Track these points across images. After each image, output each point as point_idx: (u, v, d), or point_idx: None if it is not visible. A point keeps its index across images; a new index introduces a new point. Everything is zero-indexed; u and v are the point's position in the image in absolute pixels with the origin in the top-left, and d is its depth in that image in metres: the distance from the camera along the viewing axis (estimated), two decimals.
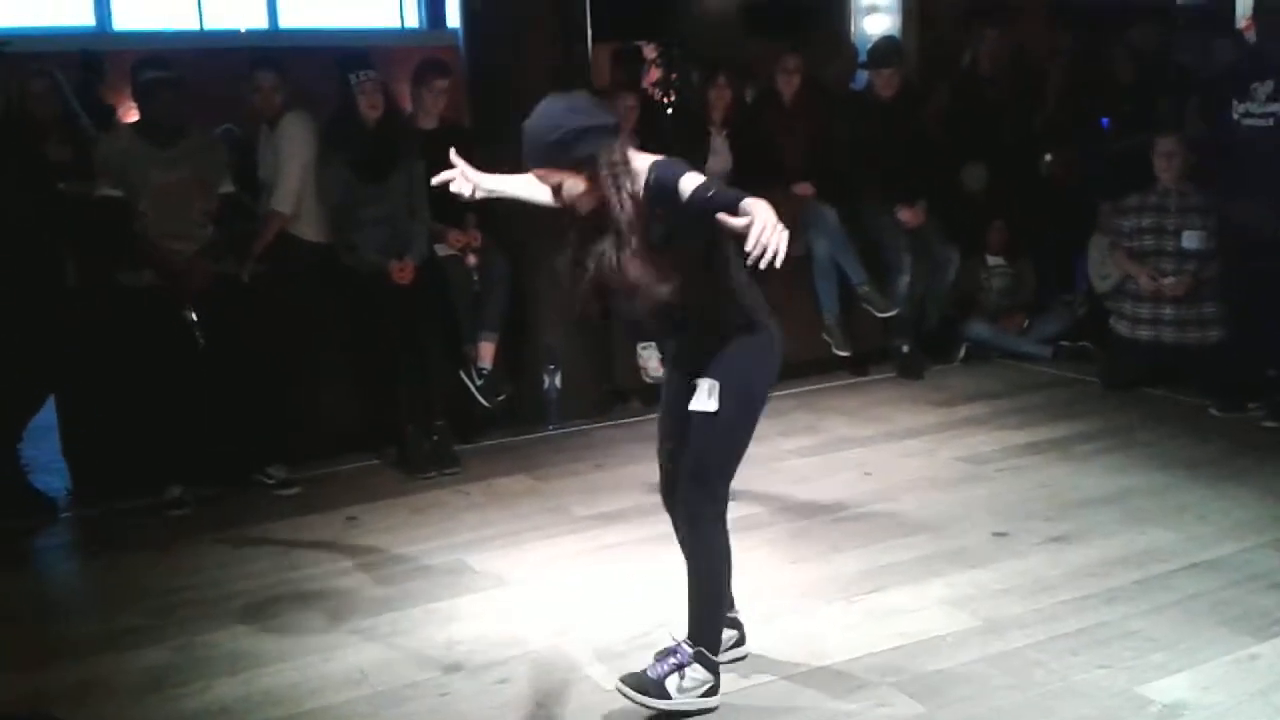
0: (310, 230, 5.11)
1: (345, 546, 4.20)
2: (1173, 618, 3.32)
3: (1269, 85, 4.90)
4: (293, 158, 5.04)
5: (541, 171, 2.81)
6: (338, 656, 3.35)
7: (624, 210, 2.72)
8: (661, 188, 2.71)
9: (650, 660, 3.01)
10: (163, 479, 4.65)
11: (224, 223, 4.86)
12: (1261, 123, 4.92)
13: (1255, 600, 3.41)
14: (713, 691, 2.98)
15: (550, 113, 2.79)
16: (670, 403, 3.11)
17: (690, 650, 2.96)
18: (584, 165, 2.75)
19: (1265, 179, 4.89)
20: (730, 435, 2.93)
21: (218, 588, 3.90)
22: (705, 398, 2.88)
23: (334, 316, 5.05)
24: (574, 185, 2.79)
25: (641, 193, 2.74)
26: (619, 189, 2.72)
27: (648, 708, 2.93)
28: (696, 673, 2.96)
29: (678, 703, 2.94)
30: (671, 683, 2.94)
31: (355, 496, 4.69)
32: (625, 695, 2.94)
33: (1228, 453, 4.71)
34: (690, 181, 2.65)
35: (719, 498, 2.99)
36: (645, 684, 2.94)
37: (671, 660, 2.96)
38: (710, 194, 2.62)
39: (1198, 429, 5.05)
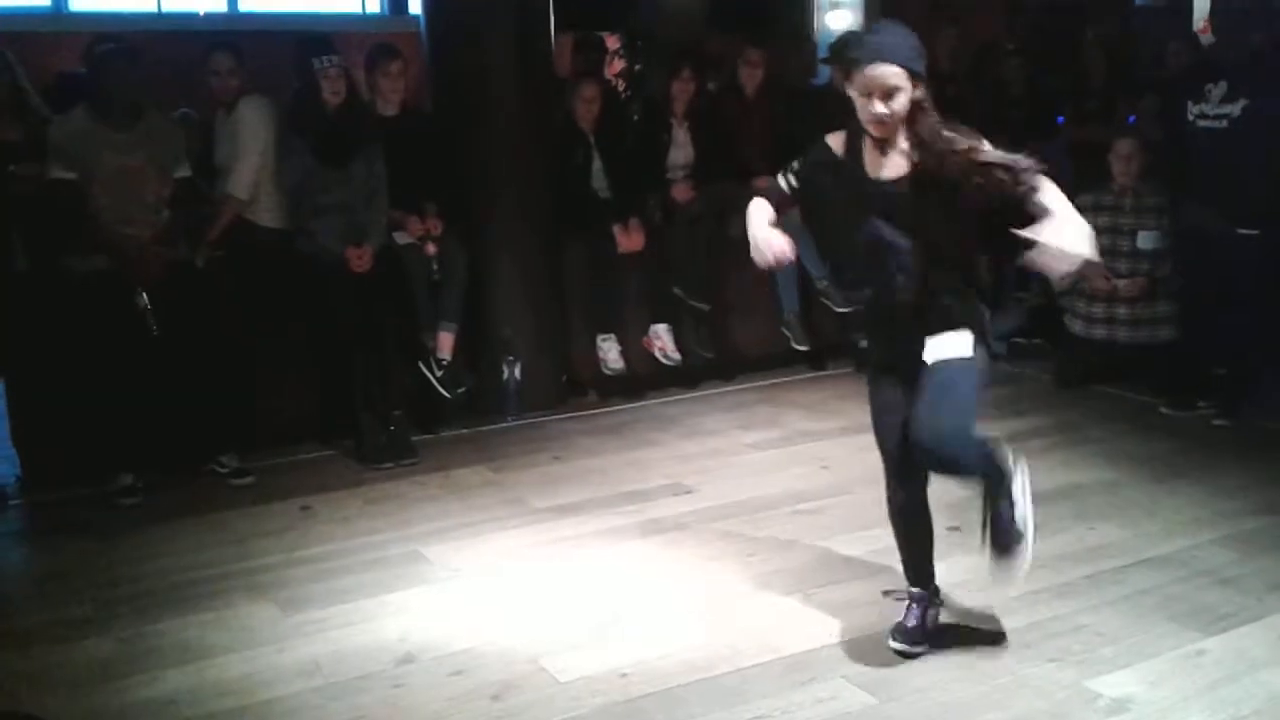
0: (267, 216, 5.06)
1: (299, 536, 4.16)
2: (1122, 613, 3.37)
3: (1223, 87, 4.95)
4: (250, 143, 4.98)
5: (895, 70, 2.77)
6: (290, 647, 3.33)
7: (925, 143, 2.80)
8: (968, 139, 2.82)
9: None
10: (114, 467, 4.59)
11: (179, 208, 4.78)
12: (1215, 124, 4.98)
13: (1203, 596, 3.46)
14: (1014, 469, 2.93)
15: (904, 28, 2.86)
16: (900, 398, 3.02)
17: (1007, 498, 2.90)
18: (919, 83, 2.80)
19: (1218, 179, 4.96)
20: (981, 383, 2.92)
21: (168, 577, 3.85)
22: (958, 344, 2.89)
23: (290, 304, 4.99)
24: (904, 102, 2.79)
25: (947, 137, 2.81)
26: (930, 121, 2.81)
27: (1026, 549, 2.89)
28: (1019, 496, 2.91)
29: (1025, 511, 2.91)
30: (1019, 517, 2.89)
31: (310, 486, 4.65)
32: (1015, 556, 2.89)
33: (1178, 450, 4.77)
34: (995, 150, 2.80)
35: (975, 442, 2.90)
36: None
37: (1007, 507, 2.89)
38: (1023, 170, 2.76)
39: (1148, 427, 5.11)
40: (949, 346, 2.90)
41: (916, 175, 2.86)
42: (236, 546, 4.09)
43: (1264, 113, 4.86)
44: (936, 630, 3.23)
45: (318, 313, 4.95)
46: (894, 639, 3.18)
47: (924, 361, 2.91)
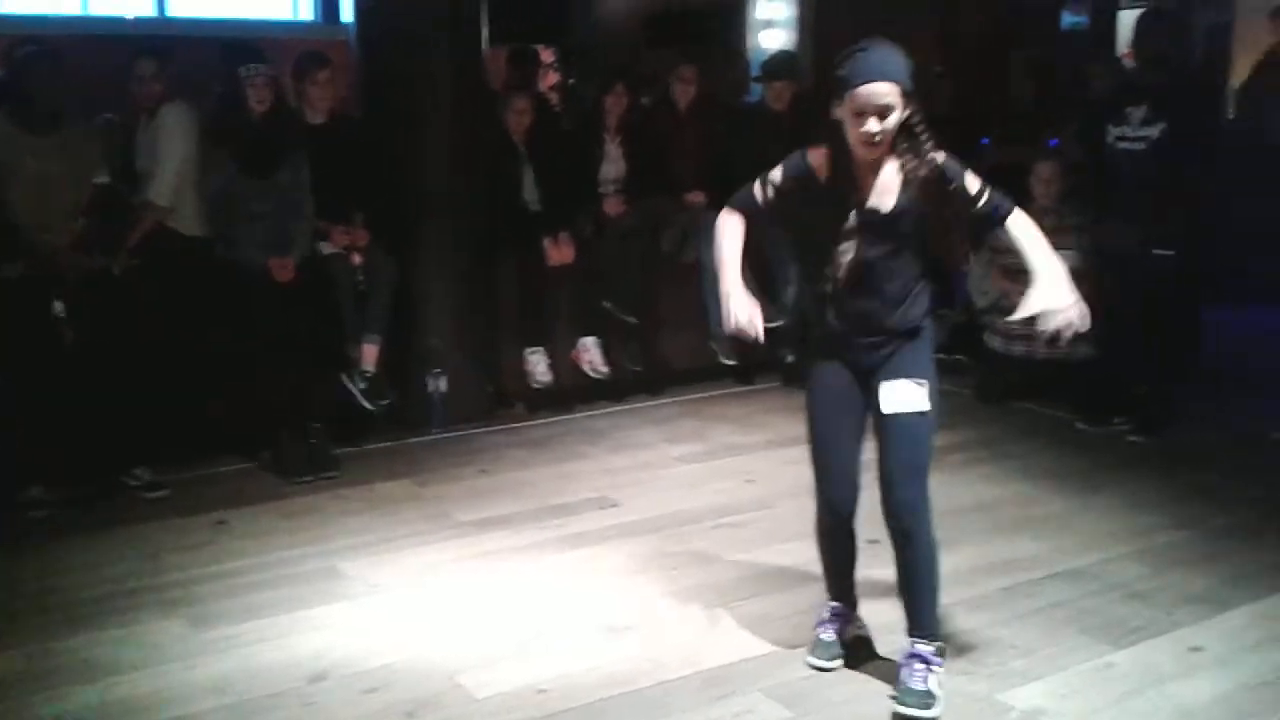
0: (188, 224, 4.98)
1: (213, 551, 4.08)
2: (1035, 625, 3.41)
3: (1143, 110, 5.06)
4: (172, 149, 4.91)
5: (889, 88, 2.72)
6: (200, 664, 3.26)
7: (923, 165, 2.80)
8: (953, 168, 2.83)
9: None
10: (23, 478, 4.46)
11: (97, 214, 4.69)
12: (1135, 145, 5.09)
13: (1114, 609, 3.52)
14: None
15: (894, 46, 2.82)
16: (847, 403, 3.03)
17: (931, 649, 2.97)
18: (910, 101, 2.78)
19: (1137, 200, 5.07)
20: (935, 428, 2.96)
21: (76, 592, 3.75)
22: (916, 396, 2.91)
23: (210, 313, 4.90)
24: (896, 121, 2.77)
25: (938, 162, 2.81)
26: (923, 142, 2.80)
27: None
28: (941, 666, 2.98)
29: (942, 699, 2.93)
30: (933, 684, 2.93)
31: (226, 500, 4.56)
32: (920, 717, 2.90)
33: (1093, 466, 4.86)
34: (974, 180, 2.85)
35: (929, 493, 2.97)
36: (922, 699, 2.91)
37: (925, 668, 2.94)
38: (996, 206, 2.87)
39: (1065, 442, 5.20)
40: (906, 398, 2.90)
41: (904, 198, 2.83)
42: (149, 561, 4.00)
43: (1182, 135, 4.98)
44: (853, 644, 3.24)
45: (238, 322, 4.86)
46: (811, 654, 3.20)
47: (880, 392, 2.93)
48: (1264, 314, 6.22)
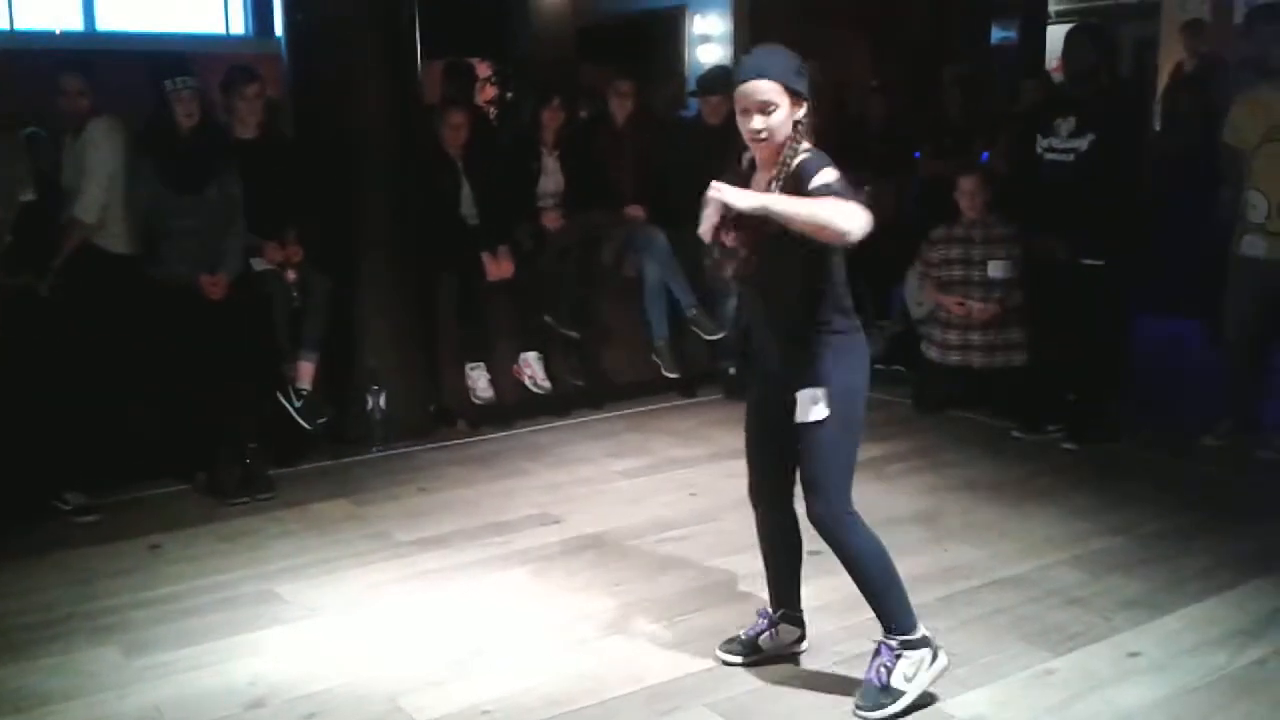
0: (116, 241, 4.87)
1: (146, 576, 3.98)
2: (975, 633, 3.44)
3: (1071, 122, 5.16)
4: (98, 165, 4.80)
5: (775, 87, 2.79)
6: (133, 693, 3.18)
7: (785, 167, 2.79)
8: (804, 168, 2.78)
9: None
10: None
11: (23, 232, 4.58)
12: (1062, 157, 5.18)
13: (1053, 616, 3.56)
14: (935, 657, 3.00)
15: (784, 49, 2.88)
16: (765, 418, 3.07)
17: (893, 643, 2.96)
18: (800, 101, 2.82)
19: (1065, 211, 5.16)
20: (843, 439, 2.96)
21: (6, 620, 3.65)
22: (812, 407, 2.90)
23: (140, 333, 4.80)
24: (783, 118, 2.80)
25: (798, 160, 2.80)
26: (796, 145, 2.80)
27: (896, 715, 2.91)
28: (911, 655, 2.96)
29: (914, 689, 2.94)
30: (896, 679, 2.93)
31: (160, 524, 4.46)
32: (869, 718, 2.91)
33: (1029, 473, 4.92)
34: (824, 177, 2.73)
35: (847, 499, 2.98)
36: (876, 698, 2.92)
37: (881, 662, 2.95)
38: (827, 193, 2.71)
39: (1001, 450, 5.26)
40: (809, 407, 2.91)
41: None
42: (80, 587, 3.90)
43: (1109, 147, 5.08)
44: (789, 652, 3.27)
45: (170, 342, 4.77)
46: (720, 647, 3.25)
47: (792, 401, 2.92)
48: (1189, 322, 6.36)
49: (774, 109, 2.80)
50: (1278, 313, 5.00)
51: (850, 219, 2.66)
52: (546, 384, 5.84)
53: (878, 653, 2.99)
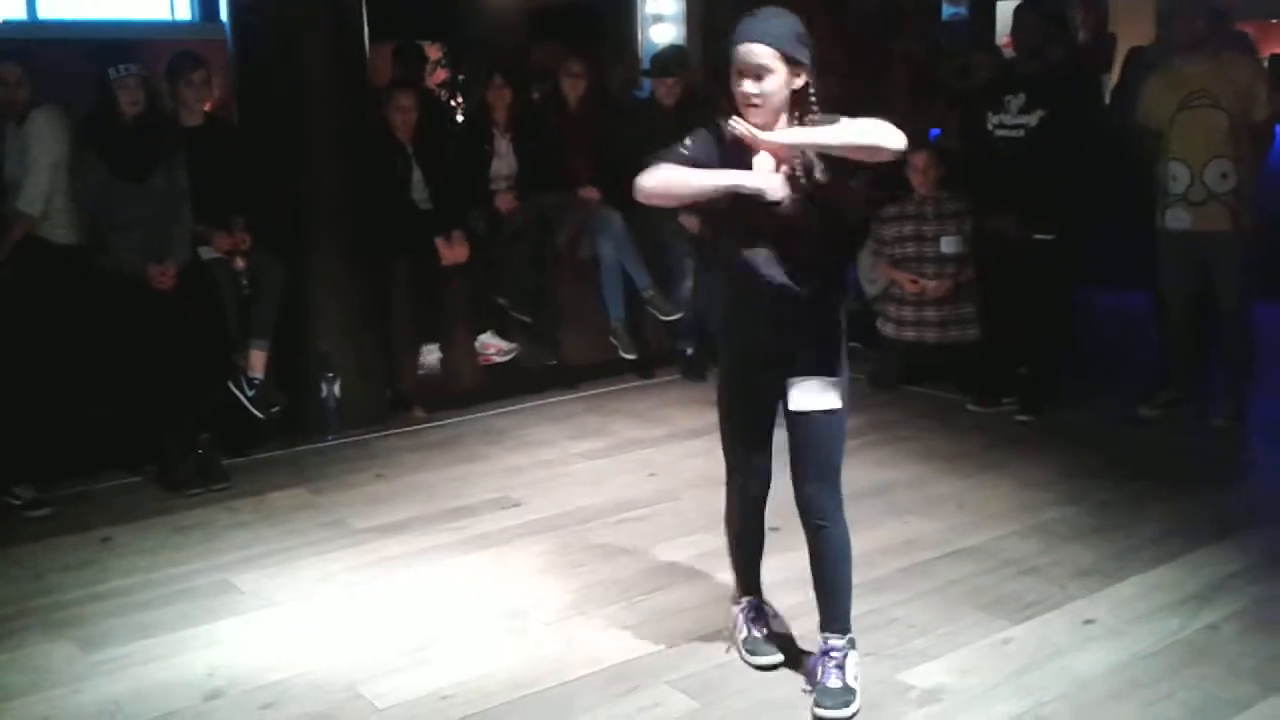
0: (61, 232, 4.78)
1: (99, 569, 3.93)
2: (933, 605, 3.47)
3: (1021, 98, 5.19)
4: (41, 155, 4.71)
5: (771, 53, 2.73)
6: (88, 687, 3.14)
7: (810, 140, 2.73)
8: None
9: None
10: None
11: None
12: (1013, 133, 5.22)
13: (1010, 585, 3.60)
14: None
15: (786, 14, 2.81)
16: (750, 399, 3.00)
17: (846, 641, 2.95)
18: (799, 70, 2.76)
19: (1016, 186, 5.20)
20: (845, 426, 2.95)
21: None
22: (824, 394, 2.86)
23: (88, 324, 4.72)
24: (777, 85, 2.74)
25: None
26: (811, 108, 2.75)
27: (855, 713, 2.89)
28: (853, 653, 2.96)
29: (858, 686, 2.94)
30: (849, 677, 2.92)
31: (112, 516, 4.40)
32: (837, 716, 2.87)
33: (984, 446, 4.96)
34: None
35: (841, 487, 2.95)
36: (839, 698, 2.88)
37: (835, 662, 2.92)
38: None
39: (956, 424, 5.30)
40: (816, 396, 2.86)
41: (790, 175, 2.78)
42: (32, 582, 3.84)
43: (1058, 123, 5.11)
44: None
45: (118, 333, 4.69)
46: (752, 655, 3.16)
47: (790, 379, 2.88)
48: (1136, 296, 6.43)
49: (768, 74, 2.74)
50: (1210, 281, 5.03)
51: (895, 136, 2.66)
52: (511, 345, 5.85)
53: (828, 653, 2.94)
